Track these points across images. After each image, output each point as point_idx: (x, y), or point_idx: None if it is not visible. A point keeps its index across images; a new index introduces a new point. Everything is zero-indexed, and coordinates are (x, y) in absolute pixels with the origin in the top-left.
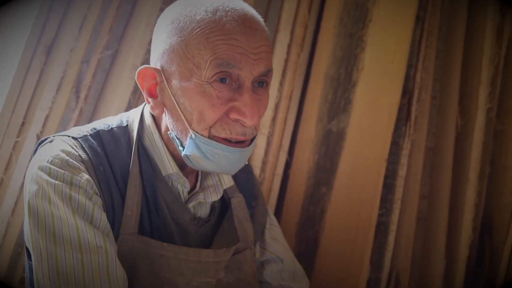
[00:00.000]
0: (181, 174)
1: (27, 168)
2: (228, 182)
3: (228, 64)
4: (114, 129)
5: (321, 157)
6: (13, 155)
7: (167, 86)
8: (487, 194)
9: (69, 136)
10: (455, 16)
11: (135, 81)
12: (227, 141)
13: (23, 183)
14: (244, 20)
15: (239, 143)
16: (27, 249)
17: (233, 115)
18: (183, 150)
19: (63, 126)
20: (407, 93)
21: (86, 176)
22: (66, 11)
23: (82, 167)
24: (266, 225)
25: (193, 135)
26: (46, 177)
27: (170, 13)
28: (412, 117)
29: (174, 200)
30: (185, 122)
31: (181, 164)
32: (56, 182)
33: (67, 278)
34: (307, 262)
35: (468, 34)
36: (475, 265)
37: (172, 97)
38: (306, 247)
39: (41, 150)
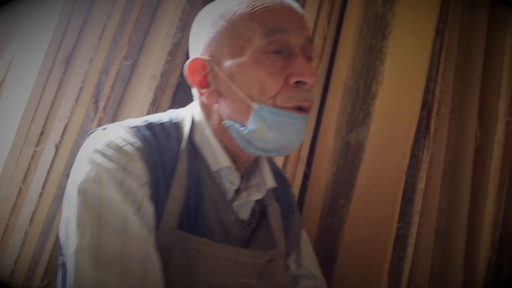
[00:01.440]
0: (233, 168)
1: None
2: (271, 182)
3: (277, 29)
4: (166, 123)
5: (340, 169)
6: (32, 165)
7: (219, 70)
8: (505, 208)
9: (123, 126)
10: (475, 29)
11: (154, 91)
12: (292, 109)
13: (41, 193)
14: (283, 2)
15: (301, 110)
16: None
17: (293, 79)
18: (245, 130)
19: (81, 136)
20: (426, 106)
21: (140, 164)
22: (85, 21)
23: (137, 155)
24: (301, 239)
25: (256, 107)
26: (101, 159)
27: (209, 9)
28: (431, 130)
29: (221, 197)
30: (246, 98)
31: (231, 159)
32: (111, 165)
33: (106, 261)
34: (325, 275)
35: (488, 47)
36: (493, 280)
37: (227, 79)
38: (324, 259)
39: (94, 135)
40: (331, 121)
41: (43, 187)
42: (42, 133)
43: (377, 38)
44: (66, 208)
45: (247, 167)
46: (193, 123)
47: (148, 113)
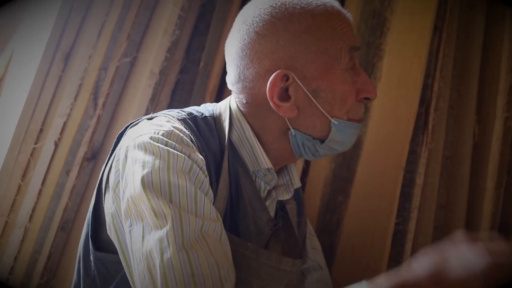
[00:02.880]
0: (272, 170)
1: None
2: (298, 182)
3: (355, 47)
4: (208, 118)
5: (338, 165)
6: (31, 161)
7: (302, 85)
8: (504, 203)
9: (172, 116)
10: (473, 25)
11: (153, 88)
12: (357, 120)
13: (40, 189)
14: (337, 4)
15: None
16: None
17: (362, 95)
18: (320, 143)
19: (81, 133)
20: (424, 102)
21: (200, 156)
22: (84, 18)
23: (195, 147)
24: (307, 235)
25: (335, 122)
26: (165, 148)
27: (277, 15)
28: (430, 126)
29: (257, 197)
30: (325, 114)
31: (272, 162)
32: (176, 154)
33: (191, 242)
34: None
35: (486, 44)
36: None
37: (309, 94)
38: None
39: (144, 124)
40: None
41: (43, 184)
42: (41, 130)
43: (375, 34)
44: (120, 201)
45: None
46: (232, 120)
47: (147, 110)
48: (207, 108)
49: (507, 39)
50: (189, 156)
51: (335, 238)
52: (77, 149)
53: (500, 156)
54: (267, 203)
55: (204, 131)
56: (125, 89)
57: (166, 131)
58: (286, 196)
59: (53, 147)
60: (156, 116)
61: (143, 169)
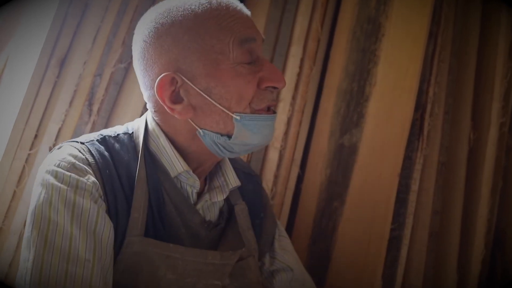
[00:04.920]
0: (191, 172)
1: None
2: (234, 182)
3: (247, 39)
4: (120, 135)
5: (334, 171)
6: (26, 168)
7: (192, 85)
8: (499, 209)
9: (77, 142)
10: (468, 31)
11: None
12: (265, 110)
13: None
14: (231, 1)
15: (270, 110)
16: None
17: (265, 84)
18: (228, 139)
19: None
20: (420, 107)
21: (92, 178)
22: (79, 24)
23: (89, 170)
24: (276, 236)
25: (237, 117)
26: (52, 180)
27: (158, 22)
28: (425, 132)
29: (183, 201)
30: (224, 110)
31: (195, 164)
32: (62, 185)
33: (48, 283)
34: (319, 276)
35: (481, 49)
36: (487, 281)
37: (202, 93)
38: (318, 261)
39: (49, 155)
40: (325, 123)
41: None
42: (36, 136)
43: (370, 40)
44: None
45: (211, 170)
46: (147, 132)
47: (141, 116)
48: (126, 126)
49: (502, 44)
50: (76, 185)
51: (331, 244)
52: None
53: (495, 161)
54: (198, 206)
55: (115, 148)
56: (120, 95)
57: (59, 162)
58: (220, 197)
59: (48, 153)
60: (63, 145)
61: (34, 202)
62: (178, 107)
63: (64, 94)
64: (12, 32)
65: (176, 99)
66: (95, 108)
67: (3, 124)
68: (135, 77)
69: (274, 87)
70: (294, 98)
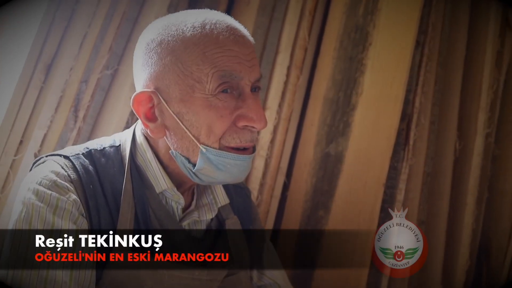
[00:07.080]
0: (175, 189)
1: None
2: (223, 200)
3: (231, 75)
4: (107, 148)
5: (319, 180)
6: (11, 174)
7: (167, 107)
8: (484, 219)
9: (61, 156)
10: (455, 41)
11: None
12: (235, 149)
13: None
14: (233, 30)
15: (246, 150)
16: None
17: (242, 123)
18: (193, 167)
19: (61, 145)
20: (406, 117)
21: (73, 196)
22: (66, 30)
23: (71, 187)
24: (264, 250)
25: (203, 150)
26: (33, 199)
27: (152, 35)
28: (411, 142)
29: (168, 217)
30: (192, 138)
31: (178, 181)
32: (42, 205)
33: None
34: (304, 285)
35: (468, 59)
36: None
37: (174, 116)
38: (303, 270)
39: (33, 171)
40: (311, 132)
41: None
42: (21, 141)
43: (357, 49)
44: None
45: (198, 186)
46: (135, 145)
47: (127, 123)
48: (114, 138)
49: (489, 55)
50: (56, 204)
51: (316, 252)
52: None
53: (481, 171)
54: (184, 223)
55: (100, 162)
56: (106, 102)
57: (41, 180)
58: (209, 215)
59: (33, 159)
60: (47, 160)
61: (14, 218)
62: (152, 125)
63: (50, 100)
64: None
65: (151, 116)
66: (81, 114)
67: None
68: (122, 83)
69: (253, 127)
70: (280, 106)
